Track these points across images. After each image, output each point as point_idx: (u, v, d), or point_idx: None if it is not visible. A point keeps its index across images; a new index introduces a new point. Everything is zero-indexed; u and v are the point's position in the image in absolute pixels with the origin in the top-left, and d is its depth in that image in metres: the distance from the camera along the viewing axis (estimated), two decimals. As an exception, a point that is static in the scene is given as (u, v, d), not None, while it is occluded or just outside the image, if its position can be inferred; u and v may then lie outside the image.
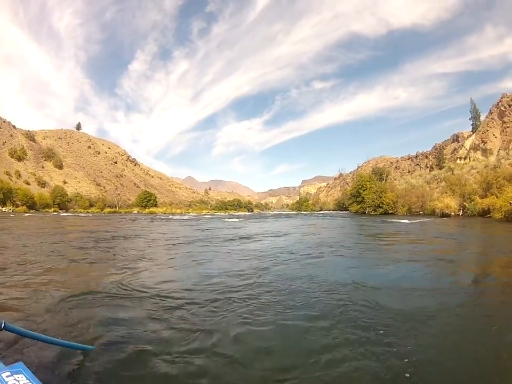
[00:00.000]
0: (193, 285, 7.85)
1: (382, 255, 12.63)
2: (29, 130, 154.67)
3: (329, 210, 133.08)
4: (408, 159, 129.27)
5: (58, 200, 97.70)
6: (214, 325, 5.16)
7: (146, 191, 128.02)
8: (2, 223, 32.69)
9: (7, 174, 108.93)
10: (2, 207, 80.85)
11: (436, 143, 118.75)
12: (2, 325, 2.57)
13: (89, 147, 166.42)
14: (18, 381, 1.90)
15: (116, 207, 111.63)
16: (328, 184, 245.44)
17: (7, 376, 1.92)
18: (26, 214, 63.44)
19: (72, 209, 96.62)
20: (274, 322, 5.31)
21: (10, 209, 79.23)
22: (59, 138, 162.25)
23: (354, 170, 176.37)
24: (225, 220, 50.44)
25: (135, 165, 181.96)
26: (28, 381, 1.91)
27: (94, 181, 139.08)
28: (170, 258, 11.90)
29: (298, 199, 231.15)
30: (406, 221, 35.77)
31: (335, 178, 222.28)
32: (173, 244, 16.44)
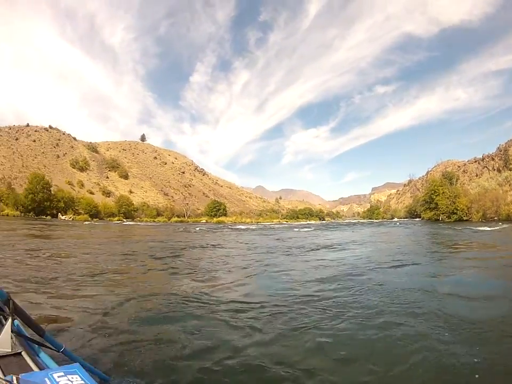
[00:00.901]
0: (272, 294, 7.96)
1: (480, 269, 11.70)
2: (91, 142, 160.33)
3: (401, 218, 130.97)
4: (475, 161, 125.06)
5: (123, 209, 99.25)
6: (294, 335, 5.23)
7: (215, 201, 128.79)
8: (62, 231, 33.43)
9: (69, 184, 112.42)
10: (62, 216, 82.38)
11: (500, 144, 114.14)
12: (62, 349, 2.65)
13: (155, 158, 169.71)
14: (71, 381, 1.88)
15: (184, 216, 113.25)
16: (398, 191, 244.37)
17: (59, 376, 1.90)
18: (86, 222, 64.61)
19: (138, 218, 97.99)
20: (355, 330, 5.38)
21: (70, 218, 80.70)
22: (123, 149, 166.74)
23: (423, 176, 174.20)
24: (297, 229, 50.05)
25: (203, 175, 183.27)
26: (82, 382, 1.89)
27: (162, 190, 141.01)
28: (245, 268, 12.00)
29: (369, 207, 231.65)
30: (487, 228, 34.57)
31: (405, 184, 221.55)
32: (247, 253, 16.69)
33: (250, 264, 12.86)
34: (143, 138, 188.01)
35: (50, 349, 2.58)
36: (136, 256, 15.27)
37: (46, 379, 1.85)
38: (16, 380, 1.78)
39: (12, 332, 2.33)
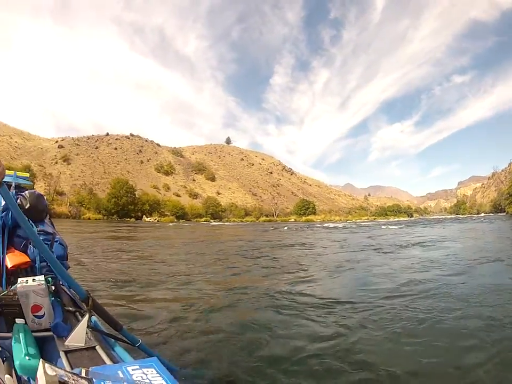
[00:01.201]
0: (364, 293, 7.69)
1: None
2: (175, 147, 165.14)
3: (486, 213, 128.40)
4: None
5: (211, 210, 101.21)
6: (381, 339, 4.99)
7: (304, 199, 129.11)
8: (146, 232, 34.24)
9: (155, 188, 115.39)
10: (147, 218, 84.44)
11: None
12: (138, 343, 2.87)
13: (242, 159, 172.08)
14: (146, 375, 1.85)
15: (273, 215, 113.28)
16: (482, 184, 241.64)
17: (133, 369, 1.88)
18: (171, 224, 66.56)
19: (226, 219, 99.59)
20: (451, 336, 4.99)
21: (155, 219, 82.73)
22: (209, 153, 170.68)
23: (506, 168, 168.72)
24: (385, 226, 49.62)
25: (291, 174, 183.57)
26: (158, 375, 1.85)
27: (250, 191, 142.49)
28: (335, 266, 11.80)
29: (455, 202, 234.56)
30: None
31: (489, 177, 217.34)
32: (337, 252, 16.54)
33: (340, 262, 12.61)
34: (228, 141, 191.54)
35: (127, 343, 2.78)
36: (223, 255, 15.31)
37: (119, 372, 1.87)
38: (85, 372, 1.82)
39: (88, 327, 2.53)
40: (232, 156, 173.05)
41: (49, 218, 4.44)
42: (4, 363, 2.12)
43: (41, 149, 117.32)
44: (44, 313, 2.85)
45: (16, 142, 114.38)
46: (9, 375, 1.96)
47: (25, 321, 2.77)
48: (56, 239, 3.93)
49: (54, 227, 4.31)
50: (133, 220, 78.92)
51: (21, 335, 2.55)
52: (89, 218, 74.93)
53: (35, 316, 2.84)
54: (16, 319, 2.71)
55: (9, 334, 2.70)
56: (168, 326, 5.59)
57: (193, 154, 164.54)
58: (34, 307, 2.84)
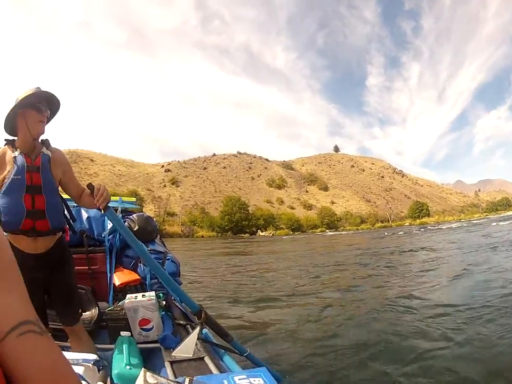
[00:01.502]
0: (485, 297, 7.33)
1: None
2: (284, 161, 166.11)
3: None
4: None
5: (326, 220, 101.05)
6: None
7: (417, 201, 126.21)
8: (261, 247, 34.35)
9: (268, 202, 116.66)
10: (262, 232, 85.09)
11: None
12: (246, 353, 2.99)
13: (352, 166, 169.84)
14: None
15: (388, 221, 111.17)
16: None
17: (240, 379, 2.00)
18: (285, 236, 66.93)
19: (342, 228, 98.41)
20: None
21: (270, 233, 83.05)
22: (319, 162, 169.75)
23: None
24: (497, 223, 47.82)
25: (402, 177, 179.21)
26: None
27: (363, 197, 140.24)
28: (452, 269, 11.59)
29: None
30: None
31: None
32: (453, 254, 16.34)
33: (461, 265, 11.99)
34: (336, 149, 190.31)
35: (235, 353, 2.91)
36: (339, 265, 15.15)
37: (225, 381, 1.99)
38: (189, 381, 2.00)
39: (198, 339, 2.74)
40: (342, 163, 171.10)
41: (159, 239, 4.84)
42: (99, 372, 2.31)
43: (147, 174, 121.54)
44: (152, 326, 3.23)
45: (119, 170, 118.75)
46: (103, 383, 2.19)
47: (131, 334, 3.10)
48: (168, 257, 4.26)
49: (165, 246, 4.72)
50: (247, 235, 79.24)
51: (125, 346, 2.87)
52: (202, 236, 76.27)
53: (142, 329, 3.24)
54: (121, 332, 3.01)
55: (112, 346, 3.10)
56: (280, 337, 5.63)
57: (303, 166, 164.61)
58: (142, 321, 3.22)
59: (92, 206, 2.78)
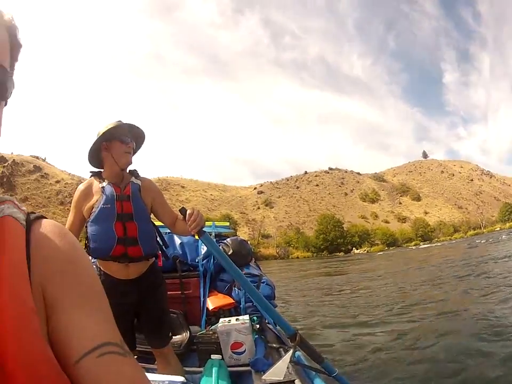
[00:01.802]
0: None
1: None
2: (376, 173, 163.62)
3: None
4: None
5: (420, 232, 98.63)
6: None
7: (506, 203, 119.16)
8: (355, 265, 33.49)
9: (362, 218, 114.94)
10: (356, 250, 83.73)
11: None
12: (335, 373, 2.86)
13: (441, 172, 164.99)
14: None
15: (480, 227, 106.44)
16: None
17: None
18: (380, 253, 65.37)
19: (436, 239, 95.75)
20: None
21: (364, 251, 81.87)
22: (409, 171, 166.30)
23: None
24: None
25: (490, 178, 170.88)
26: None
27: (455, 204, 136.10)
28: None
29: None
30: None
31: None
32: None
33: None
34: (425, 155, 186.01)
35: (325, 374, 2.82)
36: (436, 282, 14.45)
37: None
38: None
39: (290, 362, 2.63)
40: (431, 170, 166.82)
41: (254, 262, 4.81)
42: None
43: (240, 197, 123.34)
44: (244, 350, 3.23)
45: (211, 194, 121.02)
46: None
47: (222, 357, 3.15)
48: (263, 280, 4.30)
49: (260, 269, 4.71)
50: (341, 253, 78.58)
51: (214, 369, 2.89)
52: (297, 257, 76.27)
53: (234, 353, 3.25)
54: (211, 355, 3.08)
55: (201, 369, 3.12)
56: (372, 356, 5.66)
57: (394, 176, 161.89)
58: (234, 344, 3.24)
59: (185, 233, 2.88)
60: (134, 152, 3.06)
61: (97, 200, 2.82)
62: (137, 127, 3.02)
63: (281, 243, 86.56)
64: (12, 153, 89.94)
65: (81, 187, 2.94)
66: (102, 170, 3.00)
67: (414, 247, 75.49)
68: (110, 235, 2.76)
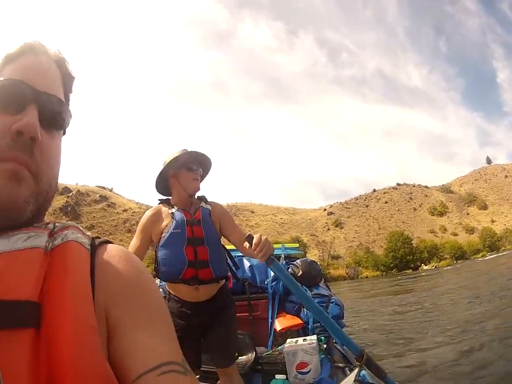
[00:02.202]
0: None
1: None
2: (443, 184, 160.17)
3: None
4: None
5: (487, 242, 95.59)
6: None
7: None
8: (423, 282, 33.31)
9: (432, 232, 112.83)
10: (425, 266, 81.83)
11: None
12: None
13: (505, 176, 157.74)
14: None
15: None
16: None
17: None
18: (448, 267, 64.30)
19: (503, 248, 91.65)
20: None
21: (433, 266, 79.52)
22: (475, 180, 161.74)
23: None
24: None
25: None
26: None
27: None
28: None
29: None
30: None
31: None
32: None
33: None
34: (488, 161, 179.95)
35: None
36: (502, 293, 14.63)
37: None
38: None
39: (355, 380, 2.66)
40: (496, 176, 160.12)
41: (324, 282, 4.92)
42: None
43: (310, 219, 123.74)
44: (310, 370, 3.34)
45: (281, 218, 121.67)
46: None
47: (287, 377, 3.33)
48: (332, 300, 4.34)
49: (329, 289, 4.77)
50: (410, 271, 77.11)
51: None
52: (366, 277, 75.62)
53: (299, 372, 3.36)
54: (276, 375, 3.27)
55: None
56: (435, 372, 5.70)
57: (461, 186, 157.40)
58: (300, 364, 3.36)
59: (255, 256, 2.60)
60: (202, 179, 3.18)
61: (166, 225, 2.94)
62: (203, 155, 3.14)
63: (351, 263, 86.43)
64: (77, 183, 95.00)
65: (148, 213, 3.08)
66: (170, 197, 3.17)
67: (481, 259, 74.25)
68: (180, 259, 2.88)
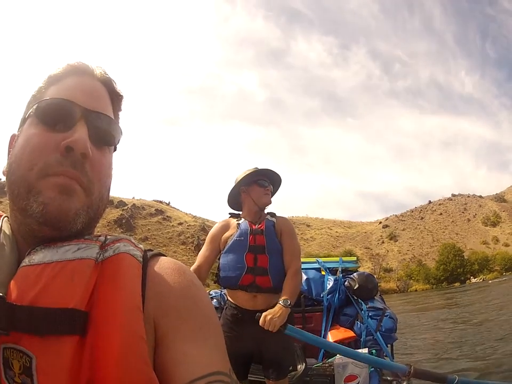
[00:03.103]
0: None
1: None
2: (497, 193, 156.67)
3: None
4: None
5: None
6: None
7: None
8: (469, 296, 31.84)
9: (484, 243, 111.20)
10: (474, 278, 79.48)
11: None
12: (455, 381, 2.84)
13: None
14: None
15: None
16: None
17: None
18: (495, 280, 61.29)
19: None
20: None
21: (480, 279, 76.54)
22: None
23: None
24: None
25: None
26: None
27: None
28: None
29: None
30: None
31: None
32: None
33: None
34: None
35: None
36: None
37: None
38: None
39: None
40: None
41: (379, 296, 5.03)
42: None
43: (365, 233, 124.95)
44: (358, 383, 3.40)
45: (336, 232, 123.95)
46: None
47: None
48: (386, 314, 4.40)
49: (384, 303, 4.86)
50: (457, 284, 75.04)
51: None
52: (415, 290, 74.14)
53: None
54: None
55: None
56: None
57: None
58: (349, 377, 3.41)
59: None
60: (272, 195, 3.30)
61: (232, 234, 3.09)
62: (273, 171, 3.27)
63: (403, 276, 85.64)
64: (134, 197, 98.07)
65: (218, 224, 3.29)
66: (240, 212, 3.32)
67: None
68: (240, 264, 2.98)
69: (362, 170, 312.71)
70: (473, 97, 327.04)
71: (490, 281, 59.34)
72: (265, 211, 3.29)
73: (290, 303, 2.76)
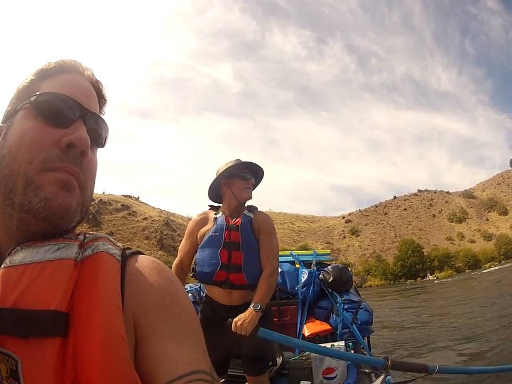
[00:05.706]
0: None
1: None
2: (465, 190, 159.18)
3: None
4: None
5: (503, 249, 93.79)
6: None
7: None
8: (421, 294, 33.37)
9: (448, 239, 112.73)
10: (431, 276, 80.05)
11: None
12: (436, 369, 3.03)
13: None
14: None
15: None
16: None
17: None
18: (455, 278, 60.30)
19: None
20: None
21: (435, 277, 77.48)
22: (497, 184, 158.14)
23: None
24: None
25: None
26: None
27: None
28: None
29: None
30: None
31: None
32: None
33: None
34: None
35: (427, 375, 3.09)
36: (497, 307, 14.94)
37: None
38: None
39: None
40: None
41: (354, 288, 5.20)
42: None
43: (327, 227, 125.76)
44: (336, 375, 3.46)
45: (298, 226, 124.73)
46: None
47: (312, 382, 3.46)
48: (361, 306, 4.52)
49: (359, 295, 4.99)
50: (409, 281, 76.36)
51: None
52: (370, 286, 75.03)
53: (325, 378, 3.47)
54: (301, 381, 3.35)
55: None
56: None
57: (483, 191, 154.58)
58: (326, 370, 3.48)
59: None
60: (253, 188, 3.35)
61: (208, 229, 3.15)
62: (256, 165, 3.30)
63: (360, 271, 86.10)
64: (104, 192, 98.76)
65: (196, 217, 3.34)
66: (220, 205, 3.35)
67: (486, 270, 67.80)
68: (214, 261, 3.04)
69: (336, 163, 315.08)
70: (449, 93, 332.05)
71: (443, 280, 61.07)
72: (246, 204, 3.33)
73: (261, 307, 2.85)
